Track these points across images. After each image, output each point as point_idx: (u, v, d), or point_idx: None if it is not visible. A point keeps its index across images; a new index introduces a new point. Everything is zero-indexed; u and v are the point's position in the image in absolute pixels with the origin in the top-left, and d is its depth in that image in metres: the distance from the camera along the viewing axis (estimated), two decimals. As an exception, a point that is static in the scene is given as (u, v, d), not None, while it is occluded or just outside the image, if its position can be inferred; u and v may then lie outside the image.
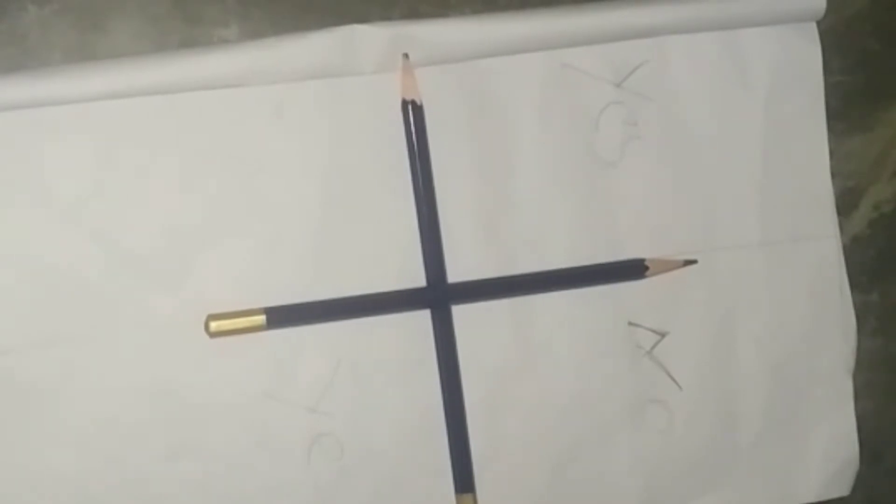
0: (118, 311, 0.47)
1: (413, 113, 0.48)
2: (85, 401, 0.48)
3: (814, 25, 0.52)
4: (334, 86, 0.47)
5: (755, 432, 0.52)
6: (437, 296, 0.48)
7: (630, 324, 0.51)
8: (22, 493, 0.46)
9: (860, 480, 0.54)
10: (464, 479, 0.49)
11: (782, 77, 0.52)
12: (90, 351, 0.46)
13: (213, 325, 0.47)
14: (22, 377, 0.46)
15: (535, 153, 0.50)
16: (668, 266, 0.51)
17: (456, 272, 0.49)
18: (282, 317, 0.47)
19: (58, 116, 0.45)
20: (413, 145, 0.48)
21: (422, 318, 0.49)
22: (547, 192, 0.50)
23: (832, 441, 0.53)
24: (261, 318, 0.47)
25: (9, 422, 0.46)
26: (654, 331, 0.51)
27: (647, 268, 0.50)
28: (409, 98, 0.48)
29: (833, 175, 0.53)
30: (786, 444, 0.53)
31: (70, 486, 0.46)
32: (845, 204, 0.54)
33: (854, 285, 0.54)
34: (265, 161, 0.48)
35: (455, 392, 0.49)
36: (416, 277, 0.49)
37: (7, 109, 0.46)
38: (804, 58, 0.52)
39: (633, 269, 0.51)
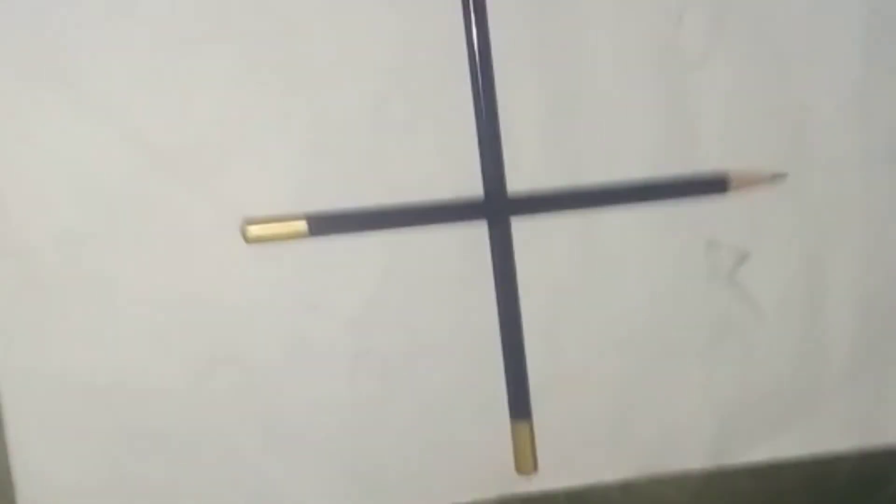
0: (150, 213, 0.45)
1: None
2: (116, 304, 0.46)
3: None
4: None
5: (841, 368, 0.50)
6: (496, 207, 0.46)
7: (708, 243, 0.48)
8: (49, 391, 0.45)
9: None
10: (520, 405, 0.47)
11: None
12: (120, 254, 0.45)
13: (252, 231, 0.44)
14: (50, 277, 0.45)
15: (609, 49, 0.47)
16: (754, 180, 0.48)
17: (517, 181, 0.46)
18: (324, 225, 0.45)
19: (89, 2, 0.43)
20: (471, 35, 0.45)
21: (478, 231, 0.47)
22: (621, 93, 0.47)
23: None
24: (302, 225, 0.44)
25: (32, 320, 0.45)
26: (735, 252, 0.49)
27: (730, 182, 0.47)
28: (468, -21, 0.43)
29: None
30: (874, 381, 0.50)
31: (102, 392, 0.46)
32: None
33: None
34: (312, 53, 0.45)
35: (512, 312, 0.47)
36: (472, 186, 0.46)
37: None
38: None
39: (714, 183, 0.47)
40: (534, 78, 0.47)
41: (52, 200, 0.45)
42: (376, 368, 0.47)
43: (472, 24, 0.45)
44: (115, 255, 0.45)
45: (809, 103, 0.48)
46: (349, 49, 0.46)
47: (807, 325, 0.50)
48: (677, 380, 0.49)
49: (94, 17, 0.44)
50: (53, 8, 0.44)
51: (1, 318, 0.45)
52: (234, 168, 0.46)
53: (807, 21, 0.48)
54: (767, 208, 0.49)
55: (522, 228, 0.47)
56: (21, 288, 0.45)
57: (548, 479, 0.48)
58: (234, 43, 0.45)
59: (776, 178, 0.48)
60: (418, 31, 0.46)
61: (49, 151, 0.45)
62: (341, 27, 0.46)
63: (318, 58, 0.46)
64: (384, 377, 0.47)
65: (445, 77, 0.46)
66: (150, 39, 0.45)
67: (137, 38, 0.45)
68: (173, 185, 0.46)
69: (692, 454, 0.49)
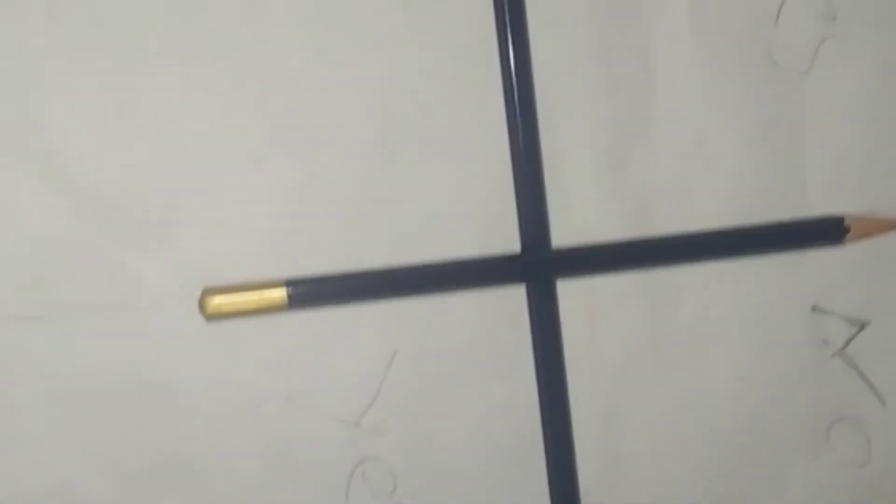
0: (82, 280, 0.39)
1: (507, -7, 0.41)
2: (55, 390, 0.40)
3: None
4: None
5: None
6: (537, 265, 0.42)
7: (815, 309, 0.45)
8: None
9: None
10: (569, 521, 0.44)
11: None
12: (46, 334, 0.39)
13: (213, 303, 0.39)
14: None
15: (685, 59, 0.43)
16: (877, 228, 0.44)
17: (564, 233, 0.42)
18: (311, 293, 0.40)
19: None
20: (507, 45, 0.41)
21: (514, 297, 0.42)
22: (701, 116, 0.44)
23: None
24: (281, 294, 0.39)
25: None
26: (849, 320, 0.45)
27: (846, 229, 0.43)
28: (501, -28, 0.41)
29: None
30: None
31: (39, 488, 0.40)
32: None
33: None
34: (294, 60, 0.40)
35: (558, 399, 0.43)
36: (506, 239, 0.42)
37: None
38: None
39: (824, 232, 0.44)
40: (587, 95, 0.43)
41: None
42: (382, 482, 0.42)
43: (506, 20, 0.41)
44: (39, 334, 0.40)
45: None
46: (349, 69, 0.41)
47: (941, 412, 0.46)
48: (775, 484, 0.45)
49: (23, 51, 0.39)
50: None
51: None
52: (193, 221, 0.40)
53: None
54: (893, 264, 0.45)
55: (571, 293, 0.43)
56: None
57: None
58: (190, 48, 0.40)
59: (906, 224, 0.44)
60: (437, 29, 0.42)
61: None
62: (333, 21, 0.41)
63: (308, 81, 0.41)
64: (392, 493, 0.42)
65: (472, 102, 0.42)
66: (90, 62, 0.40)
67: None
68: (112, 243, 0.40)
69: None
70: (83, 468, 0.40)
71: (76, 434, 0.40)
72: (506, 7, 0.41)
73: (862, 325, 0.45)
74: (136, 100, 0.39)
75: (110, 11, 0.39)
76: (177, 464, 0.41)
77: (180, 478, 0.41)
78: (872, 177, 0.45)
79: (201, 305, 0.39)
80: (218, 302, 0.39)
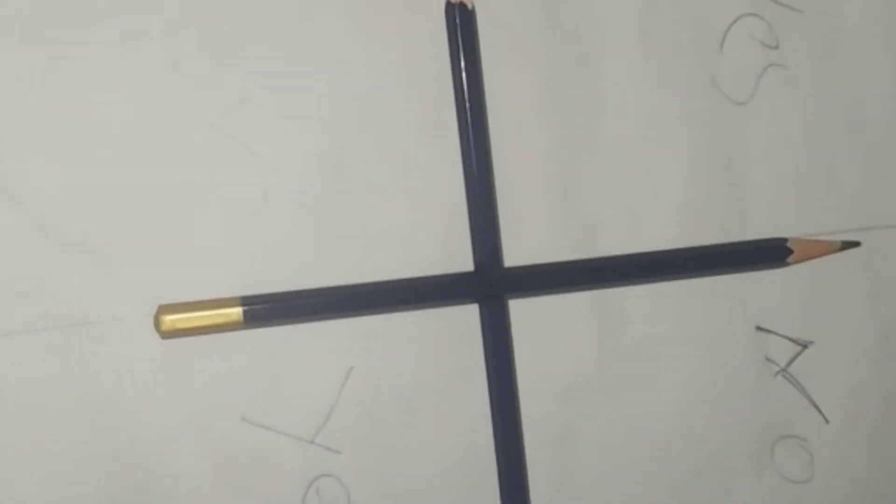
0: (41, 300, 0.39)
1: (461, 20, 0.40)
2: (7, 409, 0.39)
3: None
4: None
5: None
6: (489, 285, 0.42)
7: (759, 329, 0.45)
8: None
9: None
10: (520, 540, 0.43)
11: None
12: (6, 351, 0.39)
13: (167, 321, 0.38)
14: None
15: (632, 86, 0.43)
16: (819, 249, 0.44)
17: (516, 253, 0.42)
18: (266, 311, 0.39)
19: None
20: (459, 69, 0.40)
21: (467, 316, 0.42)
22: (648, 141, 0.43)
23: None
24: (236, 312, 0.38)
25: None
26: (792, 340, 0.45)
27: (789, 251, 0.43)
28: None
29: None
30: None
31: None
32: None
33: None
34: (249, 82, 0.40)
35: (511, 417, 0.42)
36: (459, 259, 0.42)
37: None
38: None
39: (767, 253, 0.44)
40: (538, 120, 0.43)
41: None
42: (336, 498, 0.42)
43: (460, 47, 0.41)
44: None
45: (884, 150, 0.46)
46: (303, 91, 0.41)
47: (882, 430, 0.46)
48: (721, 502, 0.45)
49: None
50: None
51: None
52: (149, 240, 0.40)
53: (881, 45, 0.45)
54: (834, 284, 0.45)
55: (523, 311, 0.42)
56: None
57: None
58: (139, 65, 0.40)
59: (847, 246, 0.45)
60: (389, 56, 0.42)
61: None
62: (290, 45, 0.41)
63: (263, 102, 0.41)
64: (346, 509, 0.42)
65: (426, 124, 0.42)
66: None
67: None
68: (66, 261, 0.39)
69: None
70: (35, 488, 0.39)
71: (28, 452, 0.39)
72: (458, 32, 0.41)
73: (805, 345, 0.45)
74: (91, 119, 0.39)
75: (65, 32, 0.38)
76: (130, 481, 0.40)
77: (133, 495, 0.40)
78: (814, 200, 0.45)
79: (156, 323, 0.38)
80: (173, 319, 0.38)
